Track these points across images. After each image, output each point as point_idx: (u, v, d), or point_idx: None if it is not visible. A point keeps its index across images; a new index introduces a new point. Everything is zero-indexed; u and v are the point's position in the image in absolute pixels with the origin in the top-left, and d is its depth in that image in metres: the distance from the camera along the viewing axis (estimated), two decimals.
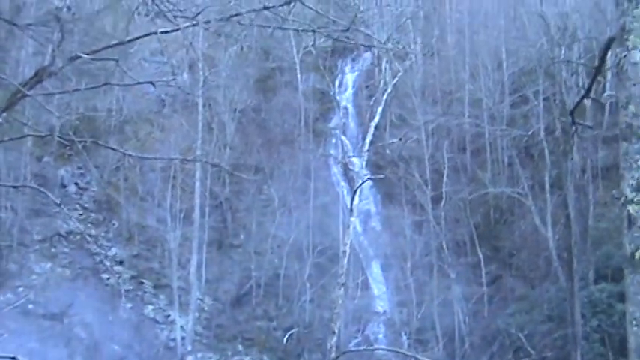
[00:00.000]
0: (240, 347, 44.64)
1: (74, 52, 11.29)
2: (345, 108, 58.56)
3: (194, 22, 10.72)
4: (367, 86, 58.11)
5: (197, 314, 45.05)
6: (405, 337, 43.65)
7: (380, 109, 16.90)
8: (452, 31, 56.17)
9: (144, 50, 54.27)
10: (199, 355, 43.37)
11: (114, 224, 48.38)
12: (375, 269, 49.44)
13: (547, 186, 43.09)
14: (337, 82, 61.19)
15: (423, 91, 52.70)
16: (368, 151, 16.91)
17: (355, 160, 51.62)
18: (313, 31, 11.66)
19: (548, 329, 37.65)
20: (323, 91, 58.46)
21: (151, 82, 11.28)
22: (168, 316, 44.52)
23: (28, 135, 11.34)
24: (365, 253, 49.92)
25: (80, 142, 12.06)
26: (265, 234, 49.11)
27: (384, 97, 17.46)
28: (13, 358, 9.12)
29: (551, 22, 40.80)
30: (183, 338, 43.39)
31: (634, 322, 6.35)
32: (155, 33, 10.32)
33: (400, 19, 48.89)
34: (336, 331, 14.62)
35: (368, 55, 61.24)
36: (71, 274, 44.34)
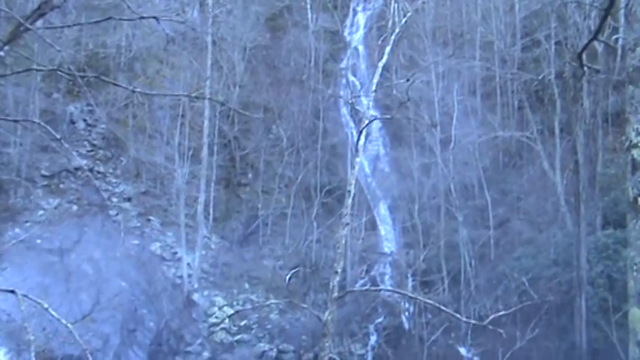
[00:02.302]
0: (246, 286, 44.86)
1: None
2: (356, 48, 58.14)
3: None
4: (379, 27, 57.48)
5: (204, 252, 45.27)
6: (410, 279, 43.76)
7: (388, 49, 16.70)
8: None
9: None
10: (205, 292, 43.62)
11: (122, 161, 48.39)
12: (383, 210, 49.44)
13: (557, 131, 42.86)
14: (348, 22, 60.69)
15: (434, 32, 52.13)
16: (375, 91, 16.71)
17: (364, 100, 51.28)
18: None
19: (553, 274, 37.62)
20: (333, 31, 58.04)
21: (155, 18, 11.10)
22: (175, 253, 44.71)
23: (31, 69, 11.23)
24: (372, 195, 49.89)
25: (83, 76, 11.88)
26: (273, 173, 49.27)
27: (392, 37, 17.23)
28: (12, 290, 9.11)
29: None
30: (189, 276, 43.65)
31: (634, 267, 6.27)
32: None
33: None
34: (339, 271, 14.61)
35: None
36: (78, 210, 44.49)
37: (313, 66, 54.10)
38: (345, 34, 59.78)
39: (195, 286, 43.61)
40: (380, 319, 42.67)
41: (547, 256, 38.88)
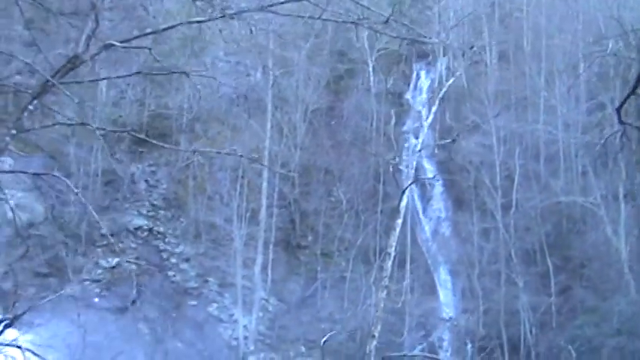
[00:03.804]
0: (302, 349, 44.35)
1: (107, 40, 11.12)
2: (419, 112, 57.90)
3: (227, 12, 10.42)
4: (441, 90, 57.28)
5: (261, 314, 44.93)
6: (469, 345, 42.97)
7: (434, 109, 16.52)
8: (527, 35, 55.01)
9: (217, 50, 54.74)
10: (261, 355, 43.24)
11: (182, 222, 48.56)
12: (443, 275, 48.80)
13: (621, 196, 41.96)
14: (412, 86, 60.60)
15: (497, 96, 51.70)
16: (420, 151, 16.48)
17: (426, 164, 51.02)
18: (353, 23, 11.28)
19: (617, 343, 36.63)
20: (396, 94, 57.96)
21: (185, 73, 10.99)
22: (232, 315, 44.49)
23: (58, 123, 11.21)
24: (433, 259, 49.33)
25: (114, 131, 11.85)
26: (333, 236, 48.88)
27: (439, 97, 17.04)
28: (19, 346, 8.94)
29: (629, 27, 39.69)
30: (245, 338, 43.33)
31: None
32: (183, 23, 10.06)
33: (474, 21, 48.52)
34: (376, 335, 14.22)
35: (444, 58, 60.43)
36: (137, 269, 44.61)
37: (375, 128, 53.96)
38: (408, 97, 59.65)
39: (251, 348, 43.23)
40: None
41: (611, 325, 37.85)
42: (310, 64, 55.03)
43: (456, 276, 47.54)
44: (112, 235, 45.66)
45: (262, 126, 48.55)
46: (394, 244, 15.18)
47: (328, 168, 51.40)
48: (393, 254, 14.83)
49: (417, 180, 18.68)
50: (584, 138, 46.77)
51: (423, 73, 61.72)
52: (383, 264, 14.88)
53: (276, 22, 49.58)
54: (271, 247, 47.13)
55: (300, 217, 50.71)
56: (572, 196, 45.68)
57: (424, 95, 59.90)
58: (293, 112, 52.61)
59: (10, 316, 14.10)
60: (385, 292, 14.89)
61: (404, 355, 18.38)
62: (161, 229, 47.59)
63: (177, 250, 46.94)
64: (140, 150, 50.00)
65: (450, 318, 46.06)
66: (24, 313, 14.19)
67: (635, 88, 9.84)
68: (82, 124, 10.33)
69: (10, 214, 40.58)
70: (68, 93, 10.10)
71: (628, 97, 10.48)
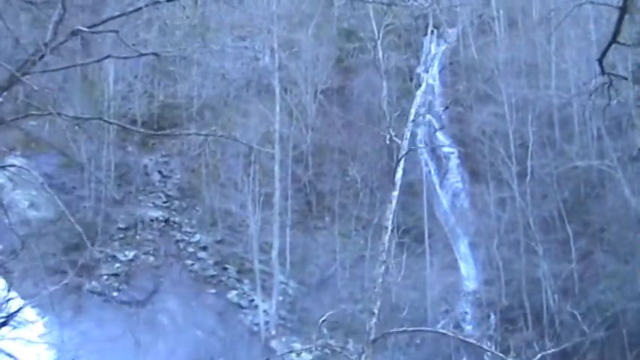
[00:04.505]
0: (324, 331, 44.05)
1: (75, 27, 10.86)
2: (431, 85, 57.34)
3: None
4: (451, 63, 56.76)
5: (281, 298, 44.69)
6: (492, 317, 42.67)
7: (426, 76, 16.15)
8: (535, 2, 54.24)
9: (226, 36, 54.57)
10: (283, 339, 42.99)
11: (197, 211, 48.40)
12: (463, 248, 48.46)
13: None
14: (422, 60, 59.95)
15: (507, 64, 51.11)
16: (413, 121, 16.13)
17: (441, 136, 50.63)
18: None
19: None
20: (406, 69, 57.33)
21: (155, 54, 10.73)
22: (252, 300, 44.30)
23: (30, 114, 10.97)
24: (452, 232, 48.99)
25: (87, 119, 11.63)
26: (349, 215, 48.56)
27: (435, 66, 16.68)
28: None
29: None
30: (266, 323, 43.15)
31: None
32: (149, 4, 9.78)
33: None
34: (376, 312, 13.90)
35: (453, 31, 59.73)
36: (155, 261, 44.55)
37: (386, 105, 53.35)
38: (419, 71, 59.02)
39: (273, 332, 43.01)
40: None
41: (633, 288, 37.50)
42: (317, 44, 54.64)
43: (476, 248, 47.18)
44: (127, 228, 45.71)
45: (272, 109, 48.21)
46: (391, 216, 14.92)
47: (341, 147, 51.14)
48: (390, 228, 14.50)
49: (410, 151, 18.29)
50: (597, 101, 46.10)
51: (433, 46, 61.07)
52: (381, 239, 14.53)
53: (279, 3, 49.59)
54: (288, 230, 46.84)
55: (316, 199, 50.44)
56: (587, 160, 45.09)
57: (435, 68, 59.30)
58: (303, 94, 52.27)
59: (4, 314, 13.97)
60: (383, 267, 14.57)
61: (404, 330, 18.05)
62: (177, 219, 47.48)
63: (194, 240, 46.81)
64: (152, 142, 49.97)
65: (472, 291, 45.74)
66: (18, 310, 14.06)
67: (615, 36, 9.49)
68: (50, 114, 10.08)
69: (24, 213, 40.81)
70: (34, 86, 9.82)
71: (609, 46, 10.14)
